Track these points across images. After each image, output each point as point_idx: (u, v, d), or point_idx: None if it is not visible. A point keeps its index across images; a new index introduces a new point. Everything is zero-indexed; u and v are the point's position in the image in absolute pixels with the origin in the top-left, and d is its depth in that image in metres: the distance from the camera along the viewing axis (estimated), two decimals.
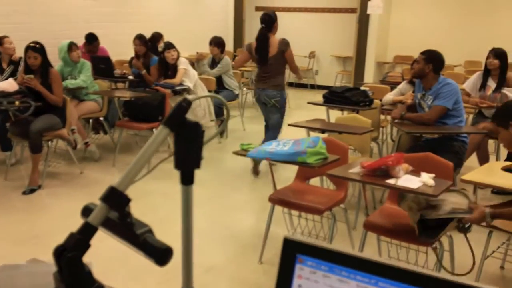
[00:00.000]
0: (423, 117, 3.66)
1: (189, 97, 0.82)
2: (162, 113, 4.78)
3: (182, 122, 0.78)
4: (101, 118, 5.19)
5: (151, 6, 8.04)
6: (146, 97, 4.78)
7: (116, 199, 0.79)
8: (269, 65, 4.41)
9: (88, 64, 4.98)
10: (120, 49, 6.69)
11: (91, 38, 5.96)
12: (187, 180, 0.84)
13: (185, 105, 0.79)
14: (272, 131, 4.58)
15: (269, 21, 4.41)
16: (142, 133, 5.47)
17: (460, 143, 3.58)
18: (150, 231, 0.81)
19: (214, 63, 6.03)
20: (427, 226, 2.30)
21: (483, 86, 4.49)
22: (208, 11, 9.59)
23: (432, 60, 3.62)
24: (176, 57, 5.28)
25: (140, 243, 0.78)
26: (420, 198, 2.29)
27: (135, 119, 4.84)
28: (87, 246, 0.78)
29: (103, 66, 5.49)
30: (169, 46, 5.30)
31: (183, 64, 5.31)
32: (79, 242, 0.77)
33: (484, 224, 2.50)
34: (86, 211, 0.83)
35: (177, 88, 5.25)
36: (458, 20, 8.56)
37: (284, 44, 4.41)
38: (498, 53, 4.43)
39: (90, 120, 5.33)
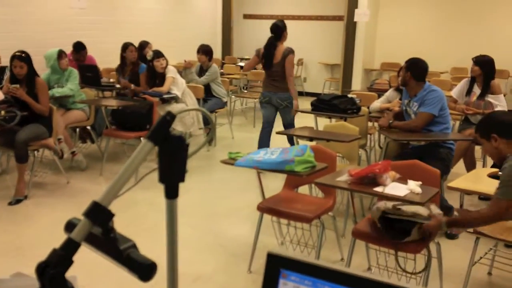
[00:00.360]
0: (410, 124, 3.70)
1: (174, 110, 0.81)
2: (150, 121, 4.76)
3: (166, 136, 0.78)
4: (88, 127, 5.15)
5: (139, 14, 8.03)
6: (134, 106, 4.75)
7: (99, 214, 0.78)
8: (273, 71, 4.69)
9: (75, 72, 4.95)
10: (107, 57, 6.67)
11: (79, 47, 5.93)
12: (171, 193, 0.83)
13: (169, 119, 0.79)
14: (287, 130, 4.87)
15: (277, 30, 4.70)
16: (130, 142, 5.44)
17: (447, 150, 3.61)
18: (134, 246, 0.80)
19: (202, 71, 6.03)
20: (392, 227, 2.38)
21: (469, 92, 4.55)
22: (196, 19, 9.61)
23: (411, 68, 3.69)
24: (165, 66, 5.28)
25: (124, 259, 0.77)
26: (388, 204, 2.38)
27: (122, 127, 4.81)
28: (70, 263, 0.77)
29: (90, 75, 5.46)
30: (158, 54, 5.30)
31: (171, 73, 5.30)
32: (61, 258, 0.75)
33: (469, 230, 2.55)
34: (70, 226, 0.82)
35: (165, 96, 5.24)
36: (445, 27, 8.67)
37: (287, 51, 4.67)
38: (478, 61, 4.49)
39: (77, 129, 5.29)
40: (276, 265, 0.61)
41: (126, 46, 5.64)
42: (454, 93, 4.72)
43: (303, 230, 3.28)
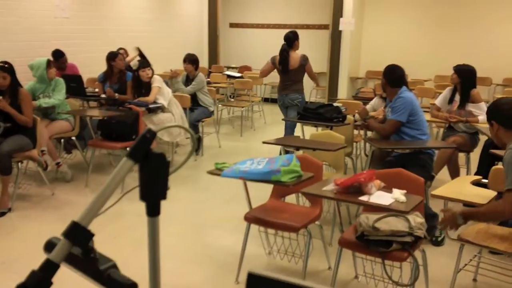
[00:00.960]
0: (380, 130, 3.76)
1: (155, 128, 0.81)
2: (136, 131, 4.73)
3: (147, 153, 0.77)
4: (73, 138, 5.10)
5: (124, 24, 8.01)
6: (119, 116, 4.72)
7: (79, 234, 0.77)
8: (290, 75, 5.29)
9: (62, 82, 4.90)
10: (92, 66, 6.63)
11: (58, 55, 5.90)
12: (153, 211, 0.82)
13: (149, 137, 0.78)
14: (289, 128, 5.37)
15: (289, 39, 5.29)
16: (116, 152, 5.40)
17: (427, 156, 3.65)
18: (114, 266, 0.79)
19: (188, 80, 6.03)
20: (373, 241, 2.43)
21: (451, 101, 4.61)
22: (182, 28, 9.62)
23: (386, 75, 3.78)
24: (151, 75, 5.27)
25: (104, 279, 0.77)
26: (370, 219, 2.41)
27: (108, 138, 4.78)
28: (48, 284, 0.75)
29: (74, 85, 5.41)
30: (144, 64, 5.29)
31: (157, 82, 5.28)
32: (40, 280, 0.74)
33: (453, 237, 2.58)
34: (49, 246, 0.81)
35: (151, 106, 5.22)
36: (429, 36, 8.80)
37: (304, 60, 5.35)
38: (457, 69, 4.55)
39: (62, 140, 5.23)
40: (257, 285, 0.61)
41: (115, 55, 5.63)
42: (437, 101, 4.78)
43: (290, 239, 3.28)
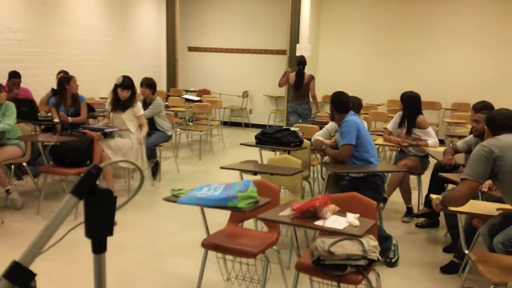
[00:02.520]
0: (337, 157, 3.84)
1: (103, 163, 0.81)
2: (90, 157, 4.61)
3: (92, 189, 0.76)
4: (24, 164, 4.91)
5: (78, 46, 7.88)
6: (73, 141, 4.60)
7: (19, 275, 0.75)
8: (301, 90, 6.67)
9: (12, 107, 4.73)
10: (45, 90, 6.45)
11: (13, 75, 5.79)
12: (98, 248, 0.81)
13: (95, 172, 0.77)
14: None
15: (303, 63, 6.73)
16: (69, 178, 5.24)
17: (378, 178, 3.75)
18: None
19: (145, 105, 5.96)
20: (329, 265, 2.48)
21: (400, 125, 4.79)
22: (140, 52, 9.57)
23: (332, 102, 3.92)
24: (127, 96, 5.19)
25: None
26: (326, 243, 2.47)
27: (61, 163, 4.63)
28: None
29: (25, 109, 5.25)
30: (124, 86, 5.13)
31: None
32: None
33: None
34: None
35: (107, 130, 5.13)
36: (381, 62, 9.17)
37: (311, 78, 6.69)
38: (401, 97, 4.74)
39: (12, 166, 5.03)
40: None
41: (69, 79, 5.52)
42: (389, 126, 4.95)
43: (248, 265, 3.27)
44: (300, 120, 6.67)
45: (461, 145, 4.12)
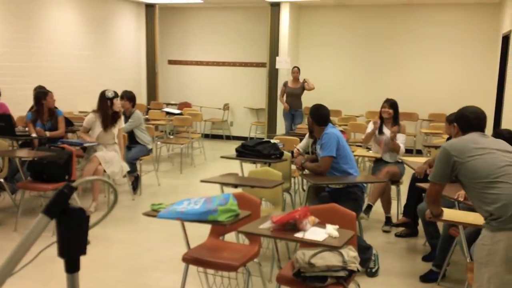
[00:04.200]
0: (317, 170, 3.87)
1: (77, 182, 0.81)
2: (69, 172, 4.55)
3: (64, 209, 0.76)
4: (1, 180, 4.82)
5: (58, 60, 7.80)
6: (51, 156, 4.53)
7: None
8: (295, 94, 8.25)
9: None
10: (24, 104, 6.36)
11: None
12: (72, 268, 0.81)
13: (67, 192, 0.77)
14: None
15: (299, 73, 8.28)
16: (47, 194, 5.15)
17: (357, 189, 3.79)
18: None
19: (125, 118, 5.92)
20: (309, 277, 2.49)
21: (380, 132, 4.88)
22: (119, 65, 9.52)
23: (312, 114, 3.97)
24: (120, 106, 5.33)
25: None
26: (306, 255, 2.49)
27: (39, 179, 4.56)
28: None
29: (3, 124, 5.17)
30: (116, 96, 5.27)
31: (85, 121, 5.22)
32: None
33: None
34: None
35: (86, 144, 5.09)
36: (360, 74, 9.31)
37: (303, 82, 8.16)
38: (392, 103, 4.86)
39: None
40: None
41: (45, 93, 5.47)
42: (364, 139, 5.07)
43: (230, 278, 3.25)
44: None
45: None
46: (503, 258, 2.24)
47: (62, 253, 0.79)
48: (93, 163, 4.95)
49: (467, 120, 2.65)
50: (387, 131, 4.83)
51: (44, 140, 5.37)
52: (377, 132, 4.89)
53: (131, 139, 5.80)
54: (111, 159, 5.08)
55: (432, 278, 3.50)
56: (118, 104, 5.21)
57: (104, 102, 5.13)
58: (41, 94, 5.47)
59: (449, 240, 3.45)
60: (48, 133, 5.40)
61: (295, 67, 8.42)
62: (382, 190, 4.57)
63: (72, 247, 0.79)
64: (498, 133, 3.32)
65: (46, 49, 7.54)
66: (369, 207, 4.62)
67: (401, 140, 4.77)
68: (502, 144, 2.53)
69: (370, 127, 4.98)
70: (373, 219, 4.84)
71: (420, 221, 4.21)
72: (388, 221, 4.68)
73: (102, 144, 5.15)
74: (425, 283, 3.51)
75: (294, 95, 8.23)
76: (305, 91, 8.29)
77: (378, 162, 4.90)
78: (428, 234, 3.86)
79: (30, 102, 5.71)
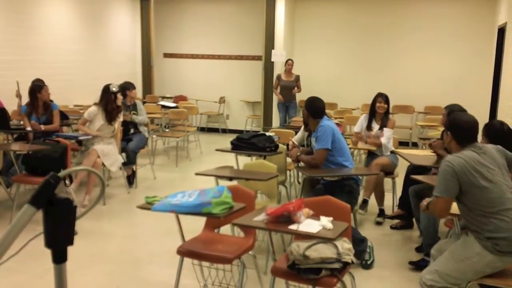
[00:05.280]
0: (311, 162, 3.87)
1: (63, 172, 0.80)
2: (64, 165, 4.54)
3: (51, 199, 0.76)
4: None
5: (53, 54, 7.76)
6: (45, 150, 4.52)
7: None
8: (289, 87, 8.37)
9: None
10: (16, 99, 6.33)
11: None
12: (59, 258, 0.80)
13: (53, 182, 0.77)
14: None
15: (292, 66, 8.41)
16: None
17: (352, 181, 3.80)
18: None
19: (125, 108, 5.91)
20: (304, 269, 2.50)
21: (369, 127, 4.87)
22: (114, 58, 9.47)
23: (307, 107, 3.95)
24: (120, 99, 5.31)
25: None
26: (301, 247, 2.48)
27: (34, 173, 4.54)
28: None
29: None
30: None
31: (87, 113, 5.19)
32: None
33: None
34: None
35: (81, 138, 5.08)
36: (355, 67, 9.30)
37: (297, 77, 8.43)
38: (386, 98, 4.85)
39: None
40: None
41: (41, 87, 5.44)
42: (356, 128, 5.02)
43: (225, 271, 3.26)
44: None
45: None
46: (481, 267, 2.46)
47: (49, 243, 0.79)
48: (92, 156, 4.94)
49: (462, 133, 2.63)
50: (376, 126, 4.83)
51: (38, 134, 5.35)
52: (365, 127, 4.88)
53: (125, 132, 5.78)
54: (108, 152, 5.09)
55: (421, 265, 3.52)
56: (120, 98, 5.21)
57: (109, 95, 5.13)
58: (36, 87, 5.45)
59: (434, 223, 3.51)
60: (43, 127, 5.38)
61: (289, 59, 8.47)
62: (375, 183, 4.58)
63: (59, 238, 0.78)
64: (490, 127, 3.30)
65: (40, 42, 7.49)
66: (365, 202, 4.64)
67: (387, 135, 4.74)
68: (497, 157, 2.59)
69: (361, 122, 4.96)
70: (368, 212, 4.85)
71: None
72: (381, 213, 4.69)
73: (100, 137, 5.15)
74: (419, 272, 3.52)
75: (287, 88, 8.32)
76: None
77: (371, 155, 4.91)
78: (419, 221, 3.88)
79: (24, 95, 5.68)
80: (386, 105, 4.83)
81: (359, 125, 4.97)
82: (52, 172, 0.80)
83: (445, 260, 2.57)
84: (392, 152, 4.79)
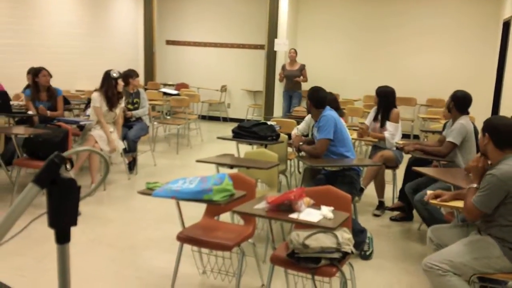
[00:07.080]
0: (313, 151, 3.86)
1: (67, 152, 0.79)
2: (64, 150, 4.52)
3: (55, 179, 0.75)
4: None
5: (52, 38, 7.71)
6: (47, 134, 4.51)
7: None
8: (293, 76, 8.46)
9: None
10: (18, 82, 6.31)
11: None
12: (62, 238, 0.80)
13: (57, 161, 0.76)
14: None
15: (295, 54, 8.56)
16: None
17: (354, 172, 3.79)
18: None
19: (128, 95, 5.90)
20: (303, 258, 2.50)
21: (375, 119, 4.85)
22: (116, 45, 9.43)
23: (309, 97, 3.93)
24: (121, 86, 5.29)
25: None
26: (300, 236, 2.48)
27: (35, 156, 4.54)
28: None
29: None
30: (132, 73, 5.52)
31: (94, 102, 5.15)
32: None
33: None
34: None
35: (83, 122, 5.07)
36: (358, 58, 9.25)
37: (302, 66, 8.51)
38: (376, 91, 4.81)
39: None
40: None
41: (38, 71, 5.42)
42: (367, 121, 4.99)
43: (224, 258, 3.27)
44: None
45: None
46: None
47: (52, 223, 0.78)
48: (89, 142, 4.96)
49: (506, 137, 2.53)
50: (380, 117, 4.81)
51: (44, 118, 5.33)
52: (372, 119, 4.86)
53: (127, 118, 5.77)
54: (106, 137, 5.08)
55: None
56: (121, 84, 5.19)
57: (110, 81, 5.10)
58: (33, 71, 5.44)
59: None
60: (49, 113, 5.36)
61: (292, 48, 8.52)
62: (374, 174, 4.57)
63: (63, 218, 0.78)
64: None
65: (42, 27, 7.45)
66: (361, 190, 4.63)
67: (389, 129, 4.71)
68: None
69: (371, 114, 4.92)
70: (368, 203, 4.86)
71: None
72: (380, 205, 4.69)
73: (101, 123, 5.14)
74: (417, 264, 3.53)
75: (292, 77, 8.40)
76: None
77: (376, 148, 4.89)
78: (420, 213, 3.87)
79: (23, 79, 5.66)
80: (377, 98, 4.79)
81: (369, 118, 4.95)
82: (57, 152, 0.79)
83: (461, 252, 2.52)
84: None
